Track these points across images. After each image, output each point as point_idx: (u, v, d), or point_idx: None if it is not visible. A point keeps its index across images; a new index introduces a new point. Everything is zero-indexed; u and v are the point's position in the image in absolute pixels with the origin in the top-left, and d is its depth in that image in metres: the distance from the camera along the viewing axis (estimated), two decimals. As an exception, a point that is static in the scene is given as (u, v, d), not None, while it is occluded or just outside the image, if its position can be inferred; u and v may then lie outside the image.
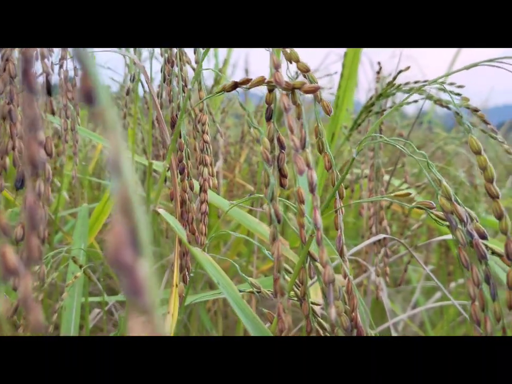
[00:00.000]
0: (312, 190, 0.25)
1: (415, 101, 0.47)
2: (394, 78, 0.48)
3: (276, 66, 0.25)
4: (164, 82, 0.43)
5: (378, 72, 0.56)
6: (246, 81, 0.27)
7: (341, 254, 0.28)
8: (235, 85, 0.27)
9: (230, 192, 0.82)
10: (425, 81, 0.45)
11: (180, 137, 0.40)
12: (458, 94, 0.44)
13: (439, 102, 0.44)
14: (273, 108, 0.28)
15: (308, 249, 0.29)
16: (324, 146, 0.28)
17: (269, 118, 0.28)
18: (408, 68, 0.48)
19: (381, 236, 0.48)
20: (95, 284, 0.59)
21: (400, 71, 0.48)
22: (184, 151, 0.40)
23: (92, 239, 0.74)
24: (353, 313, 0.28)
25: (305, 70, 0.26)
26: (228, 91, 0.28)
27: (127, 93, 0.46)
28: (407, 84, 0.47)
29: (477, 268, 0.23)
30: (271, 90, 0.28)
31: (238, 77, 0.80)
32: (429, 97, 0.44)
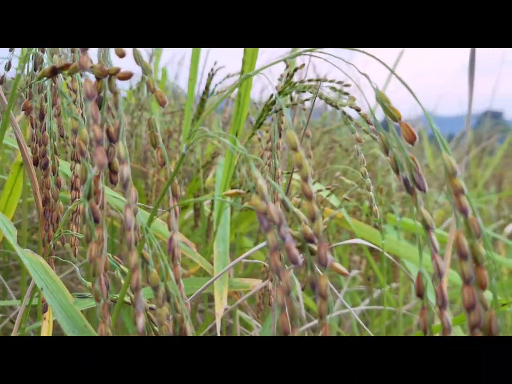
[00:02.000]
0: (124, 186, 0.23)
1: (307, 99, 0.46)
2: (291, 77, 0.46)
3: (83, 51, 0.22)
4: (35, 70, 0.40)
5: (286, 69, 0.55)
6: (65, 66, 0.24)
7: (172, 258, 0.26)
8: (54, 70, 0.25)
9: (146, 196, 0.79)
10: (317, 80, 0.44)
11: (45, 129, 0.38)
12: (346, 94, 0.42)
13: (328, 101, 0.43)
14: (103, 96, 0.26)
15: (141, 252, 0.26)
16: (157, 140, 0.26)
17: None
18: (303, 65, 0.46)
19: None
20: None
21: (296, 69, 0.46)
22: (49, 144, 0.38)
23: None
24: (183, 323, 0.25)
25: (121, 55, 0.24)
26: (48, 76, 0.25)
27: (1, 82, 0.43)
28: (301, 82, 0.45)
29: (289, 275, 0.21)
30: (99, 78, 0.25)
31: (185, 76, 0.77)
32: (319, 95, 0.43)
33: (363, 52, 0.21)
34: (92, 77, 0.26)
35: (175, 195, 0.26)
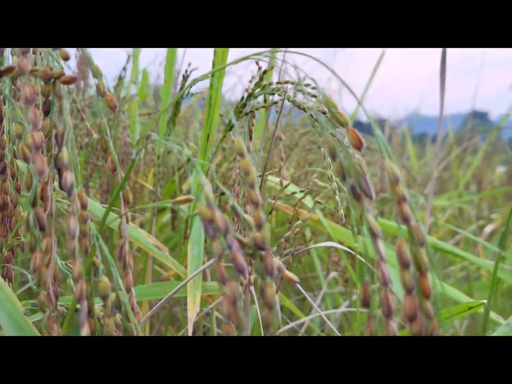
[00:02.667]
0: (69, 192, 0.22)
1: (275, 102, 0.45)
2: (261, 79, 0.46)
3: (23, 52, 0.22)
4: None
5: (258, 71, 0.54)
6: (9, 69, 0.24)
7: (124, 266, 0.25)
8: (-2, 73, 0.24)
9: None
10: (286, 82, 0.43)
11: (3, 133, 0.37)
12: (314, 96, 0.42)
13: (296, 103, 0.42)
14: (52, 100, 0.25)
15: (92, 260, 0.26)
16: (107, 145, 0.25)
17: (46, 113, 0.25)
18: (272, 68, 0.46)
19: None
20: None
21: (265, 71, 0.46)
22: (8, 148, 0.37)
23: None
24: (135, 331, 0.25)
25: (65, 58, 0.23)
26: (-7, 80, 0.24)
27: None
28: (270, 84, 0.45)
29: (235, 284, 0.20)
30: (47, 82, 0.25)
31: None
32: (287, 98, 0.42)
33: (297, 53, 0.20)
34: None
35: (127, 201, 0.25)
